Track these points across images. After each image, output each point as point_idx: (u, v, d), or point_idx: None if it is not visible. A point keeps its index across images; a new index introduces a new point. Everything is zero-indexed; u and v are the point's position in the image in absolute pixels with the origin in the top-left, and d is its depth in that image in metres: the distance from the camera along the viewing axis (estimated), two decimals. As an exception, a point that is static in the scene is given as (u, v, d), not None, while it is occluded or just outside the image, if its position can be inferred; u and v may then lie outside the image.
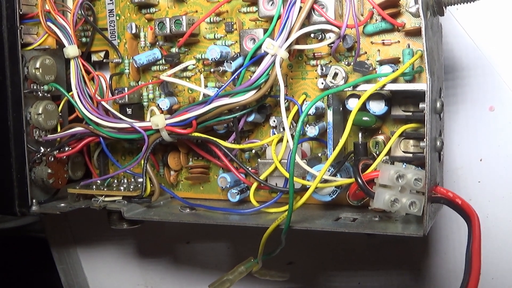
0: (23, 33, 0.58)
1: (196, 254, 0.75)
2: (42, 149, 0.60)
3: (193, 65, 0.59)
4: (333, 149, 0.50)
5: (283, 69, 0.52)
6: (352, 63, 0.53)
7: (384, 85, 0.49)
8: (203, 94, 0.57)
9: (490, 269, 0.63)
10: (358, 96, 0.51)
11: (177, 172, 0.62)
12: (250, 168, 0.55)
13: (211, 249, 0.74)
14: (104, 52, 0.64)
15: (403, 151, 0.52)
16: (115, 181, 0.63)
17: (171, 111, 0.59)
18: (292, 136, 0.50)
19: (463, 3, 0.48)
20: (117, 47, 0.63)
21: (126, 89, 0.61)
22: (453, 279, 0.65)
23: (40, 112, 0.59)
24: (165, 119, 0.55)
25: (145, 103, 0.62)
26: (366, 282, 0.69)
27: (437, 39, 0.51)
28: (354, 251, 0.67)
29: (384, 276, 0.68)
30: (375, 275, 0.68)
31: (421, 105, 0.47)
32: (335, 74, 0.52)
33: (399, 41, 0.52)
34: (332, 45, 0.53)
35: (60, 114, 0.61)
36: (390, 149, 0.51)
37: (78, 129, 0.59)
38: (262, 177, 0.54)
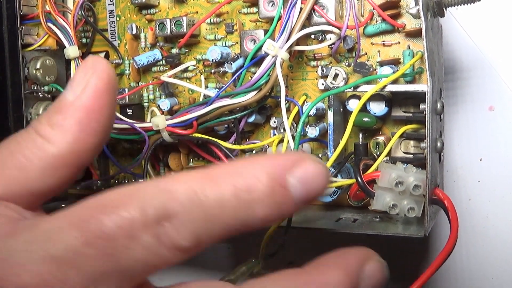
0: (24, 34, 0.58)
1: (196, 255, 0.75)
2: (43, 150, 0.60)
3: (194, 66, 0.59)
4: (334, 150, 0.50)
5: (283, 70, 0.52)
6: (352, 64, 0.53)
7: (384, 86, 0.49)
8: (204, 95, 0.57)
9: (490, 269, 0.63)
10: (359, 97, 0.51)
11: (177, 172, 0.62)
12: (250, 169, 0.55)
13: (211, 250, 0.74)
14: (104, 53, 0.65)
15: (403, 152, 0.52)
16: (116, 182, 0.63)
17: (171, 112, 0.59)
18: (293, 136, 0.50)
19: (464, 4, 0.49)
20: (118, 48, 0.63)
21: (126, 90, 0.61)
22: (453, 279, 0.65)
23: (40, 113, 0.59)
24: (166, 120, 0.55)
25: (145, 104, 0.62)
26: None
27: (438, 40, 0.52)
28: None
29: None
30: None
31: (421, 106, 0.47)
32: (336, 75, 0.52)
33: (399, 42, 0.52)
34: (332, 46, 0.53)
35: (60, 115, 0.61)
36: (390, 150, 0.51)
37: (79, 129, 0.59)
38: (263, 177, 0.54)
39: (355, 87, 0.50)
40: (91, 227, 0.35)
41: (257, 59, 0.53)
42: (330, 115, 0.51)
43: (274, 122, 0.57)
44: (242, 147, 0.56)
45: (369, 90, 0.49)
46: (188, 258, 0.38)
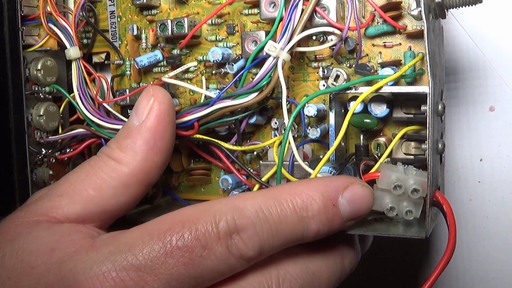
0: (25, 35, 0.58)
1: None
2: (44, 151, 0.60)
3: (195, 67, 0.59)
4: (335, 151, 0.50)
5: (284, 71, 0.52)
6: (353, 65, 0.53)
7: (381, 86, 0.49)
8: (205, 96, 0.57)
9: (490, 269, 0.64)
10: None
11: (179, 173, 0.62)
12: (251, 170, 0.55)
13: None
14: (105, 54, 0.64)
15: (404, 153, 0.52)
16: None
17: (172, 113, 0.59)
18: (294, 138, 0.50)
19: (465, 6, 0.49)
20: (118, 48, 0.63)
21: (127, 90, 0.61)
22: (453, 279, 0.65)
23: (41, 113, 0.59)
24: (167, 121, 0.55)
25: (146, 105, 0.62)
26: (366, 283, 0.69)
27: (439, 41, 0.52)
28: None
29: (384, 277, 0.68)
30: (375, 276, 0.69)
31: (422, 108, 0.47)
32: (337, 76, 0.52)
33: (400, 44, 0.52)
34: (333, 47, 0.53)
35: (61, 115, 0.61)
36: (391, 151, 0.51)
37: (80, 130, 0.59)
38: (264, 178, 0.54)
39: (355, 87, 0.50)
40: (171, 239, 0.40)
41: (258, 60, 0.53)
42: (332, 117, 0.51)
43: (275, 123, 0.57)
44: (243, 148, 0.56)
45: (366, 90, 0.49)
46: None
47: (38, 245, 0.42)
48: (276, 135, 0.57)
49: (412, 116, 0.51)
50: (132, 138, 0.47)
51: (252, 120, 0.56)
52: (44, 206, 0.46)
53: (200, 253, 0.40)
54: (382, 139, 0.52)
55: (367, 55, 0.53)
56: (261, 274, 0.43)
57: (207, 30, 0.59)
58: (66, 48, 0.58)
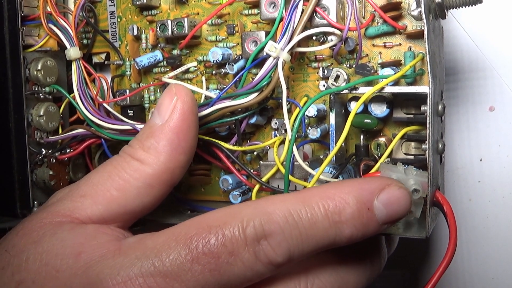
0: (25, 35, 0.58)
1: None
2: (44, 151, 0.60)
3: (195, 67, 0.59)
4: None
5: (284, 71, 0.52)
6: (354, 66, 0.53)
7: (383, 87, 0.49)
8: (205, 96, 0.57)
9: (490, 269, 0.64)
10: (361, 99, 0.51)
11: (179, 173, 0.62)
12: (252, 170, 0.56)
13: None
14: (105, 54, 0.64)
15: (404, 153, 0.52)
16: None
17: (172, 113, 0.59)
18: (295, 138, 0.50)
19: (465, 6, 0.49)
20: (118, 49, 0.63)
21: (127, 91, 0.61)
22: (453, 279, 0.65)
23: (41, 113, 0.59)
24: (167, 121, 0.55)
25: (146, 105, 0.62)
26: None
27: (439, 42, 0.52)
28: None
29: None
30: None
31: (422, 108, 0.47)
32: (337, 77, 0.52)
33: (400, 44, 0.52)
34: (334, 47, 0.53)
35: (61, 115, 0.61)
36: (391, 151, 0.51)
37: (80, 130, 0.60)
38: (264, 179, 0.54)
39: (355, 88, 0.50)
40: (198, 244, 0.39)
41: (258, 61, 0.53)
42: (332, 117, 0.51)
43: (275, 123, 0.57)
44: (243, 148, 0.56)
45: (368, 90, 0.49)
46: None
47: (63, 248, 0.41)
48: (276, 135, 0.57)
49: (412, 116, 0.51)
50: (156, 138, 0.46)
51: (252, 121, 0.56)
52: (67, 207, 0.45)
53: (226, 259, 0.39)
54: (382, 139, 0.52)
55: (367, 55, 0.53)
56: (290, 280, 0.42)
57: (207, 31, 0.59)
58: (66, 48, 0.58)
